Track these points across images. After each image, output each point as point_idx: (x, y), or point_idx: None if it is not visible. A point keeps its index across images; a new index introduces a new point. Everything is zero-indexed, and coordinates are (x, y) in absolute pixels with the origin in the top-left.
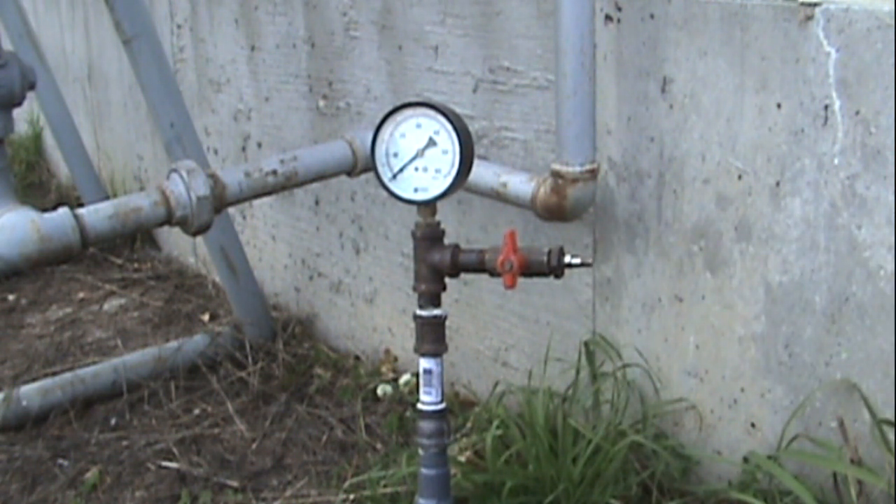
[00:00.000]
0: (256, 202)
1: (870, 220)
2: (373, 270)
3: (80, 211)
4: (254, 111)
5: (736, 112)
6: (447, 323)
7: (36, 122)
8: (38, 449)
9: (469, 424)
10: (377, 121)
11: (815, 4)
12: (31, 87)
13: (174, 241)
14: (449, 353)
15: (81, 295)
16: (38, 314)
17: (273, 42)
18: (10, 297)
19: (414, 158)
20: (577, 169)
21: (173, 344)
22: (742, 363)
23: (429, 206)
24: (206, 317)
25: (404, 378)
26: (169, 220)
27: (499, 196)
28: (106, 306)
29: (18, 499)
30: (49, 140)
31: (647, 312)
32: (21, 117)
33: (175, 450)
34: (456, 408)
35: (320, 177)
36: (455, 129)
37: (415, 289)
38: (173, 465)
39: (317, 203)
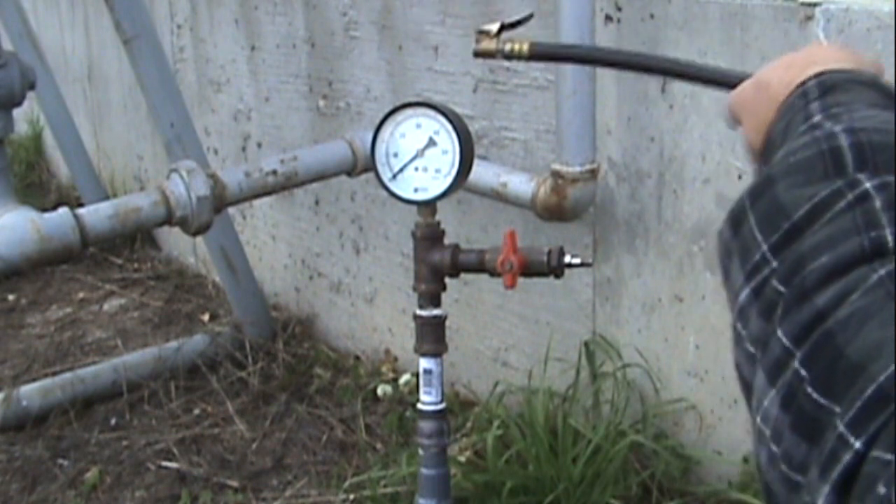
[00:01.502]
0: (256, 202)
1: None
2: (373, 270)
3: (80, 211)
4: (254, 111)
5: None
6: (447, 323)
7: (36, 122)
8: (38, 449)
9: (469, 424)
10: (377, 121)
11: (815, 4)
12: (31, 87)
13: (174, 241)
14: (449, 353)
15: (81, 295)
16: (38, 314)
17: (273, 42)
18: (10, 297)
19: (414, 158)
20: (577, 169)
21: (173, 344)
22: None
23: (429, 206)
24: (206, 317)
25: (404, 378)
26: (169, 220)
27: (499, 196)
28: (106, 306)
29: (18, 499)
30: (49, 140)
31: (647, 312)
32: (21, 117)
33: (175, 450)
34: (456, 408)
35: (320, 177)
36: (455, 129)
37: (415, 289)
38: (173, 465)
39: (317, 203)
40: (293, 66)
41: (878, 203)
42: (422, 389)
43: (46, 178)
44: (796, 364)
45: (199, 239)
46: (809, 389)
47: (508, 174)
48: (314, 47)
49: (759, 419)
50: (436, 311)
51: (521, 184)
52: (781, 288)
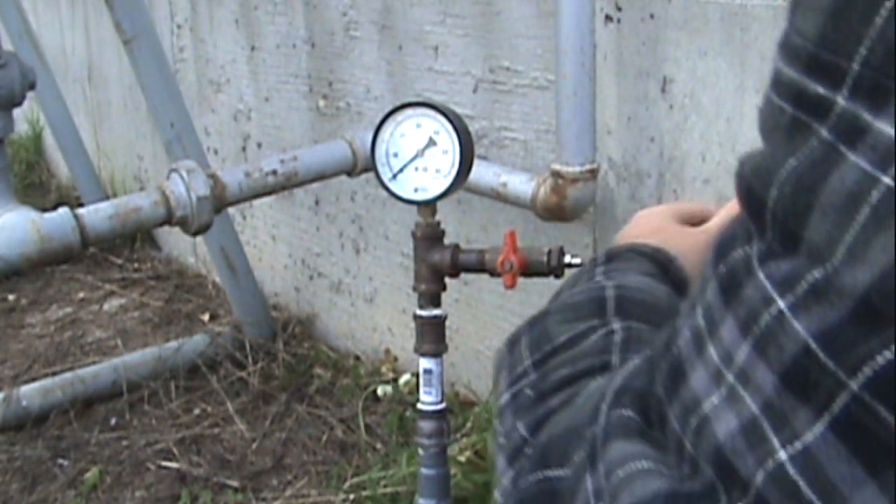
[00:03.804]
0: (256, 202)
1: None
2: (373, 270)
3: (80, 211)
4: (254, 111)
5: (736, 112)
6: (447, 323)
7: (36, 122)
8: (38, 449)
9: (469, 424)
10: (377, 121)
11: None
12: (31, 87)
13: (174, 241)
14: (449, 353)
15: (81, 295)
16: (38, 314)
17: (273, 42)
18: (10, 297)
19: (414, 158)
20: (577, 169)
21: (173, 344)
22: None
23: (429, 206)
24: (206, 317)
25: (404, 378)
26: (169, 220)
27: (499, 196)
28: (106, 306)
29: (18, 499)
30: (49, 140)
31: None
32: (21, 117)
33: (175, 450)
34: (456, 408)
35: (320, 177)
36: (455, 129)
37: (415, 289)
38: (173, 465)
39: (317, 203)
40: (293, 66)
41: (617, 338)
42: (422, 389)
43: (46, 178)
44: (527, 448)
45: (199, 239)
46: (529, 465)
47: (508, 174)
48: (314, 47)
49: (499, 497)
50: (436, 311)
51: (521, 184)
52: (531, 392)
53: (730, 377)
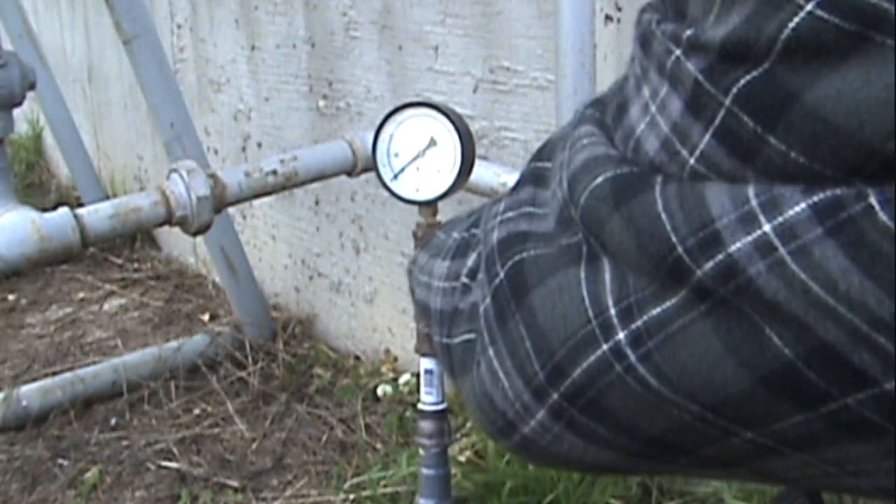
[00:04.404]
0: (256, 202)
1: None
2: (373, 270)
3: (80, 211)
4: (254, 111)
5: None
6: None
7: (36, 122)
8: (38, 449)
9: (469, 424)
10: (378, 121)
11: None
12: (31, 87)
13: (174, 241)
14: None
15: (81, 295)
16: (38, 314)
17: (273, 42)
18: (10, 297)
19: (415, 158)
20: None
21: (173, 344)
22: None
23: (430, 206)
24: (206, 317)
25: (404, 378)
26: (169, 220)
27: (499, 196)
28: (106, 306)
29: (18, 499)
30: (49, 140)
31: None
32: (21, 117)
33: (175, 450)
34: (456, 408)
35: (320, 177)
36: (456, 129)
37: None
38: (173, 465)
39: (317, 203)
40: (293, 66)
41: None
42: (423, 389)
43: (46, 178)
44: (473, 234)
45: (199, 239)
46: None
47: (508, 174)
48: (314, 47)
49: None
50: None
51: None
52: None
53: (653, 108)
